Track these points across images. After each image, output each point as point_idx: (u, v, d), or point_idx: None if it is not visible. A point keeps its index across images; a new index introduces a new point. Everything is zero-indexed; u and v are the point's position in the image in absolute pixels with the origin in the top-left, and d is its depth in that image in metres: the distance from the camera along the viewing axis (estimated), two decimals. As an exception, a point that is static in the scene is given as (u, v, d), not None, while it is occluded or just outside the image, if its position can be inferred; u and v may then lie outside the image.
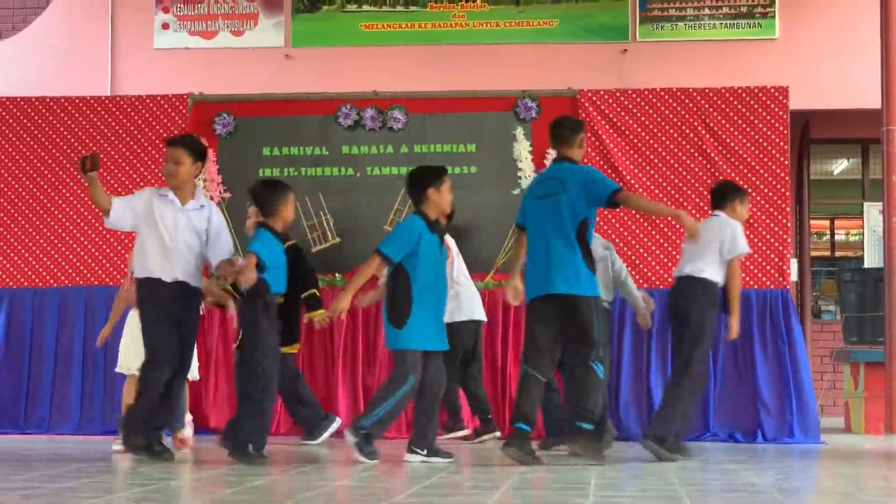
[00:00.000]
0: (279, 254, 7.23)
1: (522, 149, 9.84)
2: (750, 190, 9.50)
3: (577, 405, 7.13)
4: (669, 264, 9.44)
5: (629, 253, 9.50)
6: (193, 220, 7.19)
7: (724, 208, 7.92)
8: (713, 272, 7.63)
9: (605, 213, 9.19)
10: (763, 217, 9.56)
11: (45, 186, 10.10)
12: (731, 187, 8.08)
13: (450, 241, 8.39)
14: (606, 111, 9.81)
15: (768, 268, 9.53)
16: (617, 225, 9.59)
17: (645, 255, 9.62)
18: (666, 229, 9.62)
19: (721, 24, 12.58)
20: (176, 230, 7.12)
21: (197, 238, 7.20)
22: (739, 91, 9.78)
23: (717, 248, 7.64)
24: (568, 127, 7.36)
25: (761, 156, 9.66)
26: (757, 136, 9.69)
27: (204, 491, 5.59)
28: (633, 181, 9.66)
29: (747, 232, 9.46)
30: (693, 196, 9.65)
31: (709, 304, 7.64)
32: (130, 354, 7.89)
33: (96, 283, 9.80)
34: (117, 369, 8.16)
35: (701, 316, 7.60)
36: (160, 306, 7.11)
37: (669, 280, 9.06)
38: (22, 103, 10.25)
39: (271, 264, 7.14)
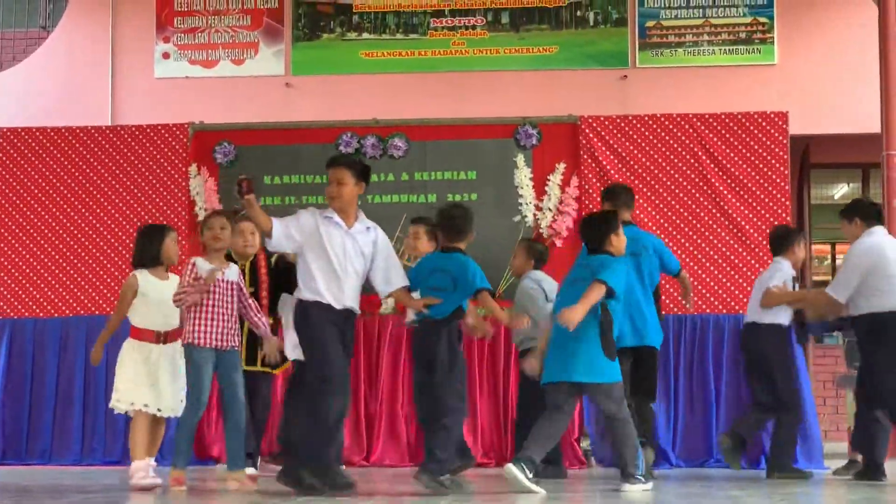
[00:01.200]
0: None
1: (523, 176, 9.83)
2: (751, 215, 9.53)
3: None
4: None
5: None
6: (360, 243, 6.93)
7: (783, 253, 8.53)
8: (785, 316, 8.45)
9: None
10: (764, 242, 9.52)
11: (46, 216, 10.09)
12: (790, 230, 8.55)
13: None
14: (607, 137, 9.81)
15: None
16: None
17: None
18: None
19: (720, 49, 12.60)
20: (345, 255, 6.84)
21: (363, 263, 6.95)
22: (739, 116, 9.79)
23: None
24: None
25: (762, 181, 9.66)
26: (757, 162, 9.70)
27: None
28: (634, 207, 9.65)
29: (748, 256, 9.51)
30: (694, 222, 9.64)
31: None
32: (134, 389, 7.32)
33: (97, 312, 9.75)
34: (117, 407, 7.40)
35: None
36: (332, 332, 6.77)
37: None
38: (23, 133, 10.25)
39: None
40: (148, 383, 7.30)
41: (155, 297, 7.39)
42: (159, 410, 7.30)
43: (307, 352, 6.83)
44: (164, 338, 7.40)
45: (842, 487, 7.71)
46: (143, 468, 7.18)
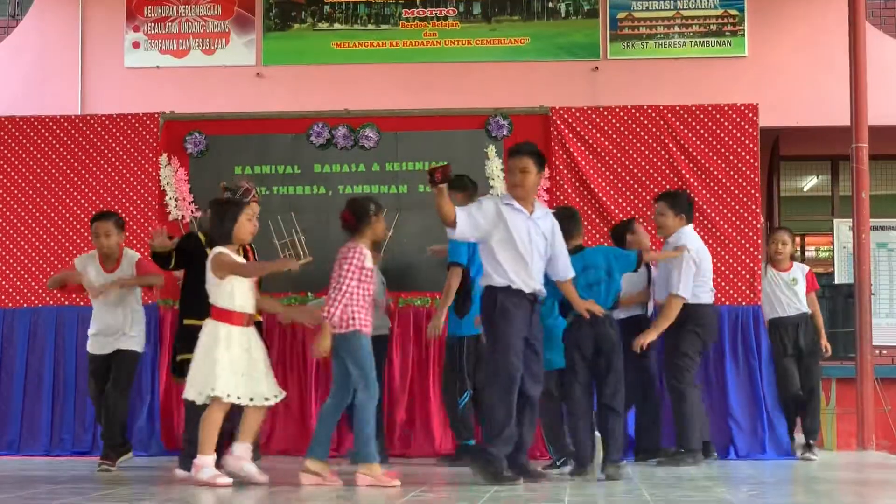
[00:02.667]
0: None
1: (494, 167, 9.84)
2: (722, 207, 9.56)
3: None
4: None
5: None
6: (542, 227, 7.19)
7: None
8: None
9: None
10: (734, 234, 9.59)
11: (15, 205, 10.03)
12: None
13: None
14: (578, 129, 9.82)
15: (739, 284, 9.55)
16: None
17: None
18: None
19: (691, 42, 12.63)
20: (530, 240, 7.09)
21: (545, 245, 7.20)
22: (710, 108, 9.82)
23: None
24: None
25: (732, 173, 9.70)
26: (727, 154, 9.73)
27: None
28: (604, 198, 9.68)
29: (719, 248, 9.54)
30: (664, 213, 9.67)
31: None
32: (232, 378, 6.91)
33: (67, 303, 9.68)
34: (220, 395, 6.85)
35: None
36: (521, 320, 7.00)
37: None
38: (-9, 122, 10.19)
39: None
40: (247, 372, 6.97)
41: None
42: (252, 400, 6.95)
43: (492, 341, 7.06)
44: (249, 321, 7.10)
45: (809, 476, 7.76)
46: (210, 463, 6.86)
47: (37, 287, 9.88)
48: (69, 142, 10.10)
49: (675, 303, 8.56)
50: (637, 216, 9.43)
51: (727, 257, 9.53)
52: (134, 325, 8.34)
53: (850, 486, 7.37)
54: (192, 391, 6.95)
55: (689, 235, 8.78)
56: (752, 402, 9.37)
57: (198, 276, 7.23)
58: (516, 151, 7.24)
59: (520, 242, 7.05)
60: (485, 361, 7.36)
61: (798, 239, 14.49)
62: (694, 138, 9.76)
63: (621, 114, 9.86)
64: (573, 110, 9.91)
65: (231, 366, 6.89)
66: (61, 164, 10.04)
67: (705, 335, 8.79)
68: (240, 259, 7.13)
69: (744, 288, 9.54)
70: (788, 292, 9.48)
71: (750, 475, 7.79)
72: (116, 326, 8.29)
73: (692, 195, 9.38)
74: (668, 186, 9.67)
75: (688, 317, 8.61)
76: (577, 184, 9.69)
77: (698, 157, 9.72)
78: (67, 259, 9.82)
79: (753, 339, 9.41)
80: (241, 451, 6.97)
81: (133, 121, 10.11)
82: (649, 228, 9.24)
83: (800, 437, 9.41)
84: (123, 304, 8.33)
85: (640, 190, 9.72)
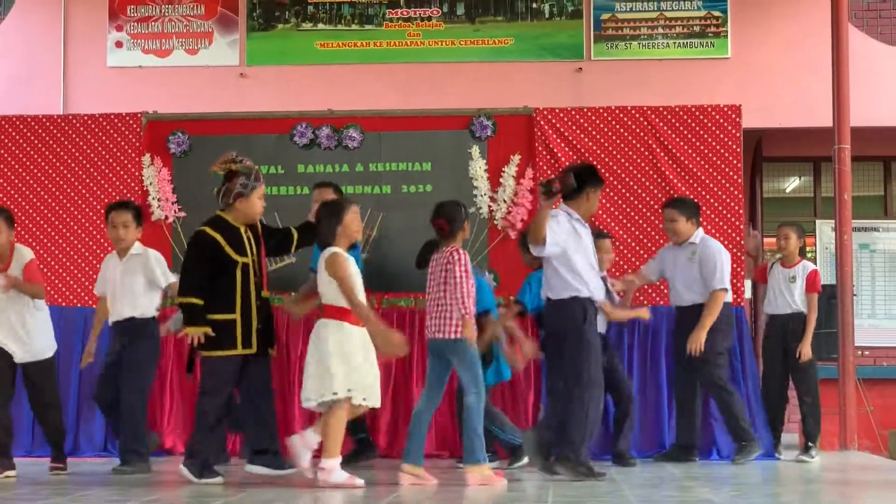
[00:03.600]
0: None
1: (478, 167, 9.83)
2: (705, 208, 9.58)
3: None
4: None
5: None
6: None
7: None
8: None
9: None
10: (717, 235, 9.59)
11: (-3, 206, 10.00)
12: None
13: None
14: (561, 129, 9.83)
15: (723, 285, 9.55)
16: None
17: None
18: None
19: (674, 43, 12.66)
20: (594, 254, 7.69)
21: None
22: (693, 109, 9.83)
23: None
24: None
25: (715, 174, 9.71)
26: (711, 155, 9.75)
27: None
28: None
29: (702, 249, 9.56)
30: (647, 213, 9.68)
31: None
32: (363, 380, 6.86)
33: (47, 302, 9.61)
34: (348, 394, 6.80)
35: None
36: (595, 328, 7.55)
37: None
38: (-27, 122, 10.15)
39: None
40: (370, 373, 6.92)
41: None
42: (364, 400, 6.86)
43: (582, 351, 7.37)
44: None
45: (791, 476, 7.78)
46: (339, 466, 6.83)
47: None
48: (52, 142, 10.07)
49: (720, 297, 8.76)
50: (602, 228, 9.38)
51: (710, 258, 9.55)
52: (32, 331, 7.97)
53: (833, 487, 7.39)
54: (316, 392, 6.82)
55: (708, 238, 9.03)
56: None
57: (216, 271, 7.18)
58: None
59: (592, 254, 7.58)
60: (571, 370, 7.42)
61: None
62: (677, 139, 9.77)
63: (605, 114, 9.87)
64: (557, 111, 9.92)
65: (363, 367, 6.87)
66: (44, 164, 10.01)
67: (731, 333, 9.04)
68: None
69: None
70: (785, 289, 9.49)
71: (732, 475, 7.80)
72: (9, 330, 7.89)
73: (675, 195, 9.42)
74: (651, 187, 9.69)
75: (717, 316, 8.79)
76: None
77: (681, 158, 9.73)
78: (49, 259, 9.79)
79: (736, 340, 9.42)
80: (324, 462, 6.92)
81: (116, 121, 10.08)
82: (621, 233, 9.25)
83: (789, 438, 9.46)
84: (18, 307, 7.92)
85: (623, 191, 9.72)
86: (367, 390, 6.84)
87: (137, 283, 8.02)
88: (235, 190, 7.27)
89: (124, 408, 7.88)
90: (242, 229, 7.34)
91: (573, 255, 7.42)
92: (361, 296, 6.97)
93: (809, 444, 9.29)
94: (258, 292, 7.30)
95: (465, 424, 7.16)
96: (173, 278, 8.04)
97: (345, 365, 6.77)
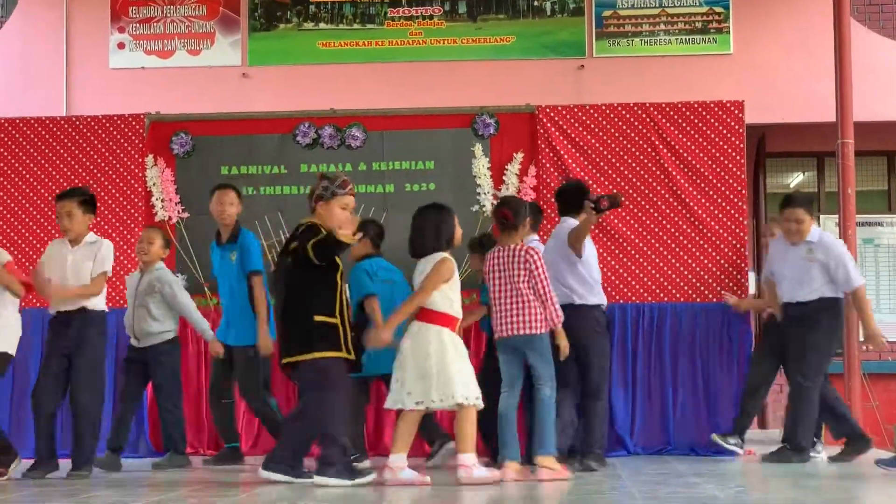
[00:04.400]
0: None
1: (481, 165, 9.84)
2: (708, 204, 9.57)
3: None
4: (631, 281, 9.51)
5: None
6: None
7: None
8: None
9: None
10: (721, 231, 9.60)
11: (0, 208, 10.01)
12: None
13: None
14: (564, 127, 9.83)
15: (727, 281, 9.55)
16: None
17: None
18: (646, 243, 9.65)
19: (676, 39, 12.65)
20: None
21: None
22: (696, 105, 9.82)
23: None
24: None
25: (719, 170, 9.70)
26: (714, 151, 9.74)
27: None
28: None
29: (705, 245, 9.56)
30: (651, 210, 9.68)
31: None
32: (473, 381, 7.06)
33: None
34: (469, 401, 6.93)
35: None
36: None
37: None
38: (-24, 124, 10.16)
39: None
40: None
41: None
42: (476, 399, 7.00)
43: (599, 358, 7.99)
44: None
45: (798, 472, 7.77)
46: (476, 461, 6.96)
47: None
48: (55, 143, 10.07)
49: (864, 291, 8.71)
50: (622, 211, 9.43)
51: (714, 254, 9.55)
52: None
53: (838, 482, 7.38)
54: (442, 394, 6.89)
55: (825, 235, 8.96)
56: (737, 398, 9.33)
57: (327, 272, 7.07)
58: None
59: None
60: (598, 372, 7.96)
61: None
62: (680, 135, 9.77)
63: (607, 111, 9.87)
64: (559, 108, 9.92)
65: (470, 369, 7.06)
66: (47, 165, 10.01)
67: (840, 331, 8.98)
68: None
69: (731, 284, 9.53)
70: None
71: (739, 472, 7.80)
72: None
73: (681, 193, 9.43)
74: (654, 183, 9.68)
75: (824, 310, 8.66)
76: (564, 181, 9.67)
77: (684, 154, 9.73)
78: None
79: (739, 337, 9.41)
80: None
81: (119, 122, 10.08)
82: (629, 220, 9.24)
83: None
84: None
85: (626, 187, 9.71)
86: (478, 391, 7.01)
87: (88, 272, 7.86)
88: (317, 192, 7.19)
89: (81, 409, 7.70)
90: None
91: (590, 258, 8.13)
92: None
93: (815, 438, 9.25)
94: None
95: (538, 416, 7.33)
96: (109, 268, 7.91)
97: (470, 372, 7.01)
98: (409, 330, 7.01)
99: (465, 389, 6.86)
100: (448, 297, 7.01)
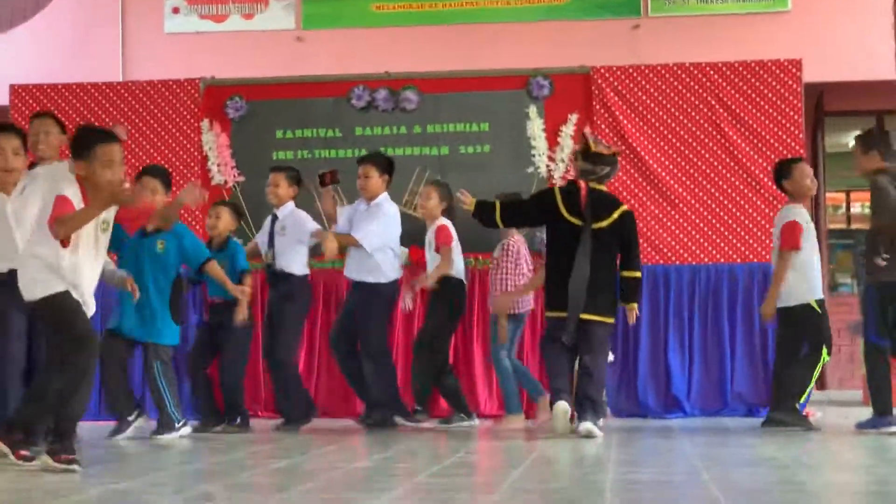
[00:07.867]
0: None
1: (536, 127, 9.80)
2: (766, 164, 9.48)
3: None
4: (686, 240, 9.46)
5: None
6: None
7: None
8: None
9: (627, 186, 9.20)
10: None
11: (60, 173, 10.10)
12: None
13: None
14: (619, 88, 9.77)
15: (784, 242, 9.47)
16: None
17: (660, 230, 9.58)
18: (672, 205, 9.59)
19: (733, -3, 12.51)
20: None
21: None
22: (752, 65, 9.73)
23: None
24: None
25: (776, 129, 9.61)
26: (771, 110, 9.64)
27: (224, 475, 5.59)
28: (647, 157, 9.63)
29: (764, 206, 9.49)
30: (708, 171, 9.61)
31: None
32: None
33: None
34: None
35: None
36: None
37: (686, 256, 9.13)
38: (35, 91, 10.25)
39: None
40: None
41: None
42: None
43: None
44: None
45: (856, 432, 7.71)
46: None
47: None
48: (111, 108, 10.16)
49: None
50: (678, 172, 9.37)
51: (771, 214, 9.45)
52: None
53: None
54: None
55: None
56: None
57: None
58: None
59: None
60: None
61: (843, 195, 14.42)
62: (737, 95, 9.68)
63: (663, 72, 9.79)
64: (614, 69, 9.85)
65: None
66: (104, 130, 10.09)
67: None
68: None
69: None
70: None
71: (801, 438, 7.74)
72: None
73: (738, 153, 9.35)
74: (710, 144, 9.61)
75: None
76: (620, 143, 9.62)
77: (741, 115, 9.64)
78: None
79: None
80: None
81: (174, 86, 10.15)
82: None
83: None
84: None
85: (682, 148, 9.65)
86: None
87: None
88: None
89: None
90: None
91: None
92: None
93: None
94: None
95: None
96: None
97: None
98: None
99: None
100: None
